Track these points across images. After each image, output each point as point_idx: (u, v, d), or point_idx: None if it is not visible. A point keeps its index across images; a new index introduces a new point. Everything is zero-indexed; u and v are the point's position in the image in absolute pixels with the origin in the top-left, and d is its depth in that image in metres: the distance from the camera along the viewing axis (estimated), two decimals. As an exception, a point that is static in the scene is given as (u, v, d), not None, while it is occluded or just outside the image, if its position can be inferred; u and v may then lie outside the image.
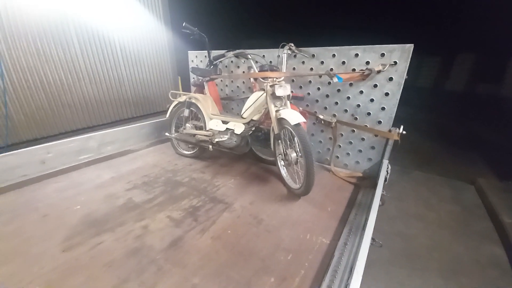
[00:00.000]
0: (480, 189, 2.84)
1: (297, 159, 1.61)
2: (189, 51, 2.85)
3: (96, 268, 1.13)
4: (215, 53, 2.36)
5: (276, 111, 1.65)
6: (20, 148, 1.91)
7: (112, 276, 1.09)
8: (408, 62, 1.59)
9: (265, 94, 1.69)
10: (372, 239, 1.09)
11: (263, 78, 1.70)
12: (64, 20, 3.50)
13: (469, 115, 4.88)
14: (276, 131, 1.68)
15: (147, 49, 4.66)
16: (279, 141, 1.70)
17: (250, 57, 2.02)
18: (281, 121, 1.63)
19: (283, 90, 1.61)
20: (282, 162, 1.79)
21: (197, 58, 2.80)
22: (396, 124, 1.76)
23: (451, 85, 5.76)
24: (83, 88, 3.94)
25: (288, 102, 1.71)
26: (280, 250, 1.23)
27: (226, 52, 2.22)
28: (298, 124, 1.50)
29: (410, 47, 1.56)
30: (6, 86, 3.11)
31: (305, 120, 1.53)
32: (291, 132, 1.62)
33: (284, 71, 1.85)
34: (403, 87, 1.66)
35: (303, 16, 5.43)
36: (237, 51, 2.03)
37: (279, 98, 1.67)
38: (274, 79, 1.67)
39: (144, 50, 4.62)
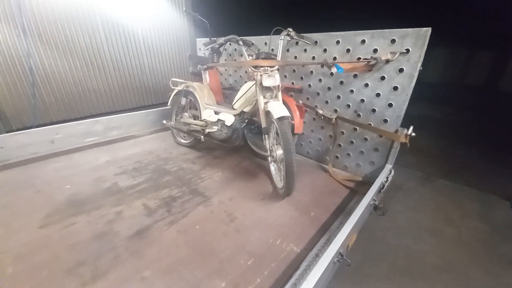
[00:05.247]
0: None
1: (283, 156, 1.47)
2: (197, 39, 2.79)
3: (61, 248, 1.16)
4: (220, 40, 2.27)
5: (265, 103, 1.52)
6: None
7: (72, 257, 1.11)
8: (424, 50, 1.32)
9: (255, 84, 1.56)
10: (340, 255, 0.94)
11: (255, 67, 1.57)
12: (91, 8, 3.71)
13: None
14: (263, 125, 1.56)
15: (168, 38, 4.76)
16: (266, 136, 1.57)
17: (241, 44, 1.89)
18: (268, 114, 1.50)
19: (272, 80, 1.46)
20: (270, 159, 1.67)
21: (204, 46, 2.73)
22: (415, 123, 1.47)
23: (500, 82, 4.86)
24: (107, 75, 4.19)
25: (279, 93, 1.57)
26: (243, 253, 1.14)
27: (216, 38, 2.11)
28: (281, 118, 1.36)
29: (426, 31, 1.29)
30: (39, 70, 3.41)
31: (289, 114, 1.38)
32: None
33: (279, 59, 1.69)
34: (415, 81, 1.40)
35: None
36: (228, 37, 1.91)
37: (269, 89, 1.53)
38: (267, 68, 1.53)
39: (166, 39, 4.73)
